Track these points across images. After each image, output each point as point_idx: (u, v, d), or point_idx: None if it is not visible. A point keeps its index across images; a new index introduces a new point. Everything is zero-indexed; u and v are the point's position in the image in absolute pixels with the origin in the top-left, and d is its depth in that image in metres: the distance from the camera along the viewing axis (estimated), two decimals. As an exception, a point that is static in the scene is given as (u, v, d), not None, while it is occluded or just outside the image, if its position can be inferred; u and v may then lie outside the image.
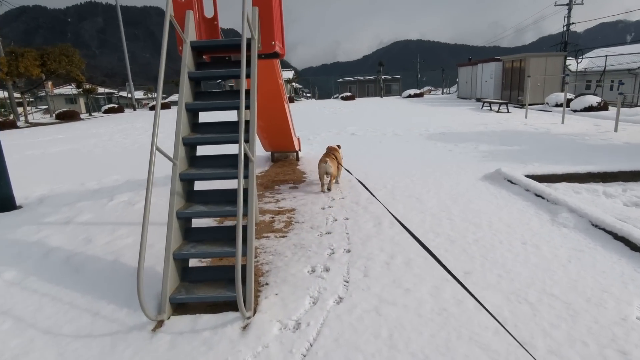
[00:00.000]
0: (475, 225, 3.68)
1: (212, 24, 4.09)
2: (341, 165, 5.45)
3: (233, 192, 2.97)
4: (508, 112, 16.11)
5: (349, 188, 5.25)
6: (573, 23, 27.22)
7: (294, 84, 46.65)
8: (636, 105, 18.66)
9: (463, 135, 9.65)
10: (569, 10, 27.12)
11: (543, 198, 4.09)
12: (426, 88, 56.30)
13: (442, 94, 35.43)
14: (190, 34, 3.40)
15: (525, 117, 13.49)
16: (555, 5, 27.50)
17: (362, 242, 3.49)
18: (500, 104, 16.55)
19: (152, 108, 31.88)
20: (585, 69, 26.05)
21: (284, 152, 7.44)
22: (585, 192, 4.47)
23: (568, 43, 27.56)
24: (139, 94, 48.10)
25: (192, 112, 3.26)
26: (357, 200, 4.66)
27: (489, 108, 17.85)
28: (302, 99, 41.64)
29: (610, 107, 14.59)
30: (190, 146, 3.14)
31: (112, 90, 53.38)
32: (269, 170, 6.65)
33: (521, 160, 6.36)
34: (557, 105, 16.51)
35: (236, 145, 2.60)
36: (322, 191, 5.17)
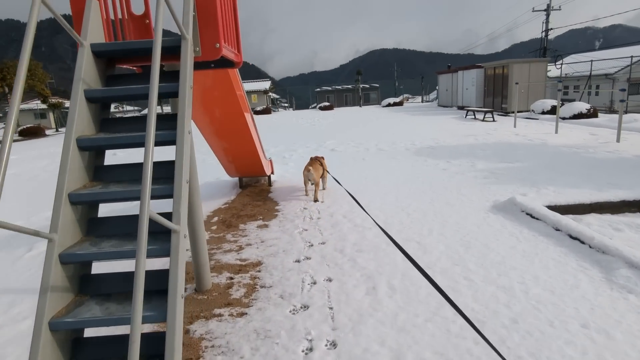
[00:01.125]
0: (506, 291, 2.69)
1: (142, 22, 3.01)
2: (327, 171, 5.69)
3: (155, 275, 1.88)
4: (494, 120, 15.51)
5: (331, 226, 4.21)
6: (552, 29, 27.30)
7: (270, 94, 45.65)
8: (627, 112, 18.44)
9: (454, 150, 8.79)
10: (547, 15, 27.20)
11: (582, 242, 3.16)
12: (404, 96, 56.28)
13: (422, 102, 35.06)
14: (94, 34, 2.31)
15: (514, 127, 12.85)
16: (533, 11, 27.56)
17: (352, 325, 2.45)
18: (485, 112, 15.95)
19: (121, 122, 30.18)
20: (566, 74, 26.02)
21: (253, 177, 6.36)
22: (628, 228, 3.58)
23: (547, 49, 27.60)
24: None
25: (92, 151, 2.16)
26: (342, 247, 3.62)
27: (473, 117, 17.25)
28: (279, 109, 40.63)
29: (600, 114, 14.16)
30: (83, 205, 2.03)
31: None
32: (234, 200, 5.55)
33: (531, 182, 5.47)
34: (543, 113, 16.04)
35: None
36: (306, 195, 5.55)
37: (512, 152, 8.11)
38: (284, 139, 12.65)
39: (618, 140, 8.45)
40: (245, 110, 4.09)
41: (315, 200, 5.21)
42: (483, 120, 15.65)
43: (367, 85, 39.90)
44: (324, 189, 5.78)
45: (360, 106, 32.01)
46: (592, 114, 13.36)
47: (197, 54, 2.22)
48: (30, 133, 22.32)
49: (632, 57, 20.43)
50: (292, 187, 6.08)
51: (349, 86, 43.49)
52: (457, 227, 3.93)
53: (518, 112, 18.17)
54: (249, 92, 41.53)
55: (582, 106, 14.08)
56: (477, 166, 6.91)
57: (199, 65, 2.70)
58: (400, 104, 29.59)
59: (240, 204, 5.29)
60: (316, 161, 5.49)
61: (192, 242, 3.02)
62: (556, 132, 10.64)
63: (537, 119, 15.53)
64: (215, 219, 4.70)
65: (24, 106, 40.73)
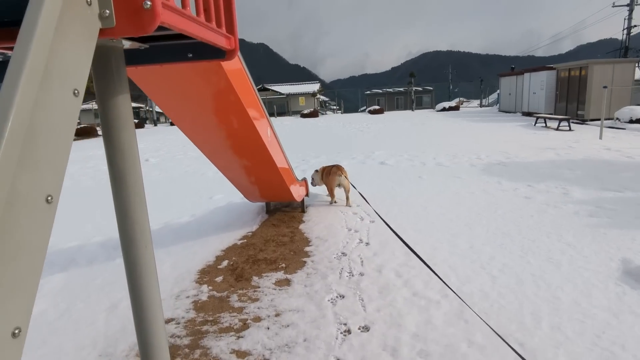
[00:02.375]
0: None
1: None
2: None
3: None
4: (570, 129, 13.32)
5: (378, 293, 2.90)
6: (635, 26, 23.91)
7: (319, 96, 44.87)
8: None
9: (533, 168, 7.11)
10: (630, 11, 23.85)
11: None
12: (458, 99, 53.23)
13: (481, 106, 32.43)
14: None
15: (600, 138, 10.73)
16: (613, 6, 24.29)
17: None
18: (560, 119, 13.75)
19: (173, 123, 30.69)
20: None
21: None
22: None
23: (630, 48, 24.23)
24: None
25: None
26: (396, 343, 2.30)
27: (544, 124, 15.06)
28: (327, 112, 39.66)
29: None
30: None
31: (140, 105, 53.47)
32: (256, 232, 4.40)
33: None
34: (631, 122, 13.58)
35: None
36: (333, 202, 5.42)
37: (614, 175, 6.30)
38: (327, 147, 11.47)
39: None
40: (263, 118, 2.92)
41: (349, 205, 5.18)
42: (557, 129, 13.50)
43: (420, 88, 37.81)
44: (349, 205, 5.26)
45: (412, 110, 30.17)
46: None
47: (108, 22, 1.04)
48: (82, 133, 22.17)
49: None
50: (330, 214, 4.85)
51: (401, 89, 41.62)
52: (581, 315, 2.47)
53: (596, 119, 15.69)
54: (297, 95, 41.02)
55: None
56: (573, 194, 5.26)
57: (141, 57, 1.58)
58: (456, 108, 27.42)
59: (262, 240, 4.13)
60: (339, 169, 5.21)
61: (136, 309, 1.64)
62: (666, 148, 8.52)
63: (624, 128, 13.14)
64: (225, 263, 3.57)
65: (86, 106, 43.11)
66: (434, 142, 11.29)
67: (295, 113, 37.57)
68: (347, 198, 5.26)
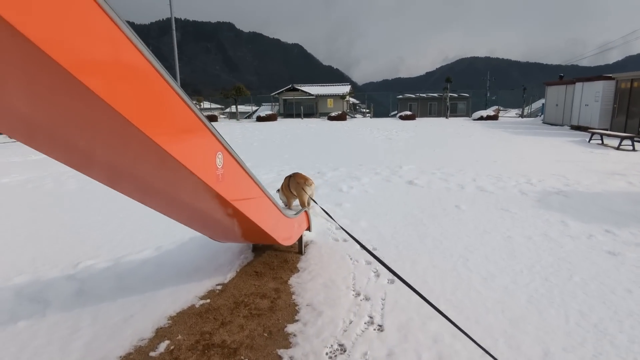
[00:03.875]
0: None
1: None
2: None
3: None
4: (634, 149, 11.42)
5: None
6: None
7: (349, 99, 43.57)
8: None
9: (603, 201, 5.55)
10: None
11: None
12: (494, 107, 50.42)
13: (522, 117, 30.13)
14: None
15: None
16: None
17: None
18: (622, 137, 11.85)
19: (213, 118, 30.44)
20: None
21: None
22: None
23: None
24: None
25: None
26: None
27: (600, 142, 13.14)
28: (357, 115, 38.28)
29: None
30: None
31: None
32: (227, 286, 3.13)
33: None
34: None
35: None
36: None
37: None
38: (349, 157, 10.17)
39: None
40: (209, 140, 1.69)
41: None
42: (618, 149, 11.62)
43: (456, 95, 35.75)
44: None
45: (446, 117, 28.34)
46: None
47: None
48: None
49: None
50: (334, 261, 3.59)
51: (435, 94, 39.68)
52: None
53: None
54: (326, 96, 39.87)
55: None
56: (679, 252, 3.75)
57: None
58: (494, 117, 25.42)
59: (231, 301, 2.90)
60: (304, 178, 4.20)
61: None
62: None
63: None
64: (162, 347, 2.37)
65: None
66: (472, 158, 9.76)
67: (323, 115, 36.45)
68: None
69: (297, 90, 40.11)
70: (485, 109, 44.93)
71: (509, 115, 38.43)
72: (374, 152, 11.07)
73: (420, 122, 24.74)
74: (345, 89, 41.37)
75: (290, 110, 37.27)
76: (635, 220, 4.76)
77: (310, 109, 38.94)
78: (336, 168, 8.51)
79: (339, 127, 20.45)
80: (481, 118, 25.04)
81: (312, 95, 39.72)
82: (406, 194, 6.21)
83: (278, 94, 40.50)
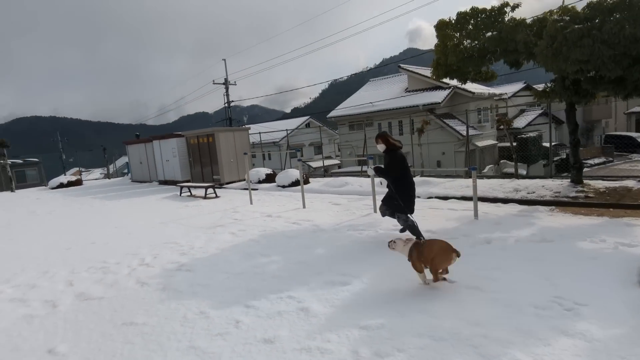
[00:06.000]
0: None
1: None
2: None
3: None
4: (217, 196, 12.93)
5: None
6: (233, 101, 28.55)
7: None
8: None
9: (227, 265, 5.21)
10: (227, 89, 28.32)
11: None
12: (74, 170, 46.10)
13: (109, 177, 28.65)
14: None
15: (251, 203, 10.62)
16: (213, 84, 28.01)
17: None
18: (206, 187, 13.13)
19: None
20: (254, 142, 27.62)
21: None
22: None
23: (232, 119, 28.57)
24: None
25: None
26: None
27: (189, 193, 14.10)
28: None
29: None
30: None
31: None
32: None
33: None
34: (260, 182, 14.98)
35: None
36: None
37: (313, 244, 5.44)
38: None
39: (476, 215, 7.48)
40: None
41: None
42: (205, 198, 12.78)
43: (21, 161, 29.13)
44: None
45: (12, 190, 22.17)
46: (305, 181, 13.13)
47: None
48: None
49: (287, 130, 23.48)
50: None
51: (-12, 163, 30.65)
52: None
53: (229, 182, 16.59)
54: None
55: (297, 173, 13.83)
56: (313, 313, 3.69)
57: None
58: (78, 182, 22.49)
59: None
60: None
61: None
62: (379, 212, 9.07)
63: (257, 189, 14.22)
64: None
65: None
66: (61, 245, 7.31)
67: None
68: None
69: None
70: (65, 173, 39.84)
71: (94, 177, 35.98)
72: None
73: (-30, 202, 17.78)
74: None
75: None
76: (232, 290, 4.58)
77: None
78: None
79: None
80: (61, 185, 21.38)
81: None
82: (-63, 366, 3.25)
83: None
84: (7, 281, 5.40)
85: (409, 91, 28.29)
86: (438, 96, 25.03)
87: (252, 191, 11.56)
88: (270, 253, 5.70)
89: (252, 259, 5.52)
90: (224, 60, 28.20)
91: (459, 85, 24.53)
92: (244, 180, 16.41)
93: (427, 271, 3.88)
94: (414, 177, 12.66)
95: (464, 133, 23.67)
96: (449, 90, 25.13)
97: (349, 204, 9.39)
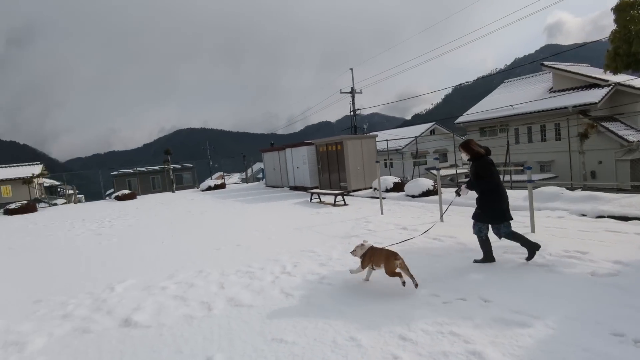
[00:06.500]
0: None
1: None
2: None
3: None
4: (345, 204, 12.81)
5: None
6: (359, 109, 28.77)
7: (43, 181, 34.56)
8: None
9: (370, 285, 4.80)
10: (353, 97, 28.68)
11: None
12: (218, 174, 52.48)
13: (247, 182, 31.67)
14: None
15: (382, 213, 10.13)
16: (341, 93, 28.65)
17: None
18: (335, 195, 13.15)
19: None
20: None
21: None
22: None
23: (357, 127, 28.77)
24: None
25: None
26: None
27: (318, 200, 14.36)
28: (57, 202, 30.25)
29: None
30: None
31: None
32: None
33: None
34: (387, 190, 14.41)
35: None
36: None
37: (464, 267, 4.65)
38: (12, 297, 6.25)
39: (533, 229, 6.12)
40: None
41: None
42: (335, 205, 12.78)
43: (179, 166, 34.32)
44: None
45: (173, 191, 26.08)
46: (434, 190, 12.06)
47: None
48: None
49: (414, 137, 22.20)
50: None
51: (157, 167, 36.92)
52: None
53: (356, 190, 16.42)
54: (3, 182, 29.88)
55: (428, 183, 12.87)
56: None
57: None
58: (222, 186, 25.29)
59: None
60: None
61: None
62: (442, 220, 8.15)
63: (385, 197, 13.66)
64: None
65: None
66: (211, 245, 7.95)
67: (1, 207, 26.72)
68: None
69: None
70: (211, 176, 45.71)
71: (234, 181, 40.29)
72: (67, 268, 7.47)
73: (143, 200, 21.46)
74: (33, 169, 32.41)
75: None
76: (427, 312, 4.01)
77: (-23, 201, 27.92)
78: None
79: (21, 226, 14.52)
80: (209, 188, 24.32)
81: (-20, 182, 28.87)
82: (118, 358, 3.55)
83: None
84: (171, 277, 5.95)
85: (555, 91, 24.54)
86: (593, 95, 21.07)
87: (375, 199, 11.11)
88: (416, 273, 5.11)
89: (395, 278, 5.01)
90: (351, 69, 28.63)
91: (623, 83, 20.18)
92: (370, 188, 16.11)
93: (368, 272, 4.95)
94: (573, 189, 10.54)
95: (631, 138, 19.29)
96: (609, 88, 20.91)
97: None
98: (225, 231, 9.61)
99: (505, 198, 5.10)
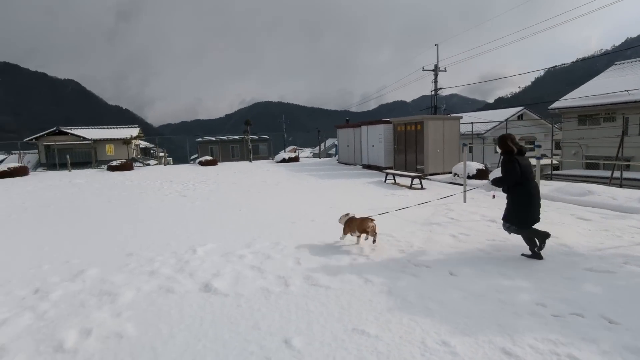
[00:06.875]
0: None
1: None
2: None
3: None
4: (422, 187, 12.07)
5: None
6: (440, 88, 27.02)
7: (138, 143, 37.96)
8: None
9: (462, 282, 4.30)
10: (436, 75, 26.94)
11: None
12: (292, 147, 53.63)
13: (320, 157, 31.83)
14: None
15: (465, 201, 9.31)
16: (423, 70, 27.05)
17: None
18: (412, 177, 12.45)
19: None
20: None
21: None
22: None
23: (437, 107, 27.11)
24: None
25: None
26: None
27: (393, 181, 13.76)
28: (150, 162, 33.17)
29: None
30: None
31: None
32: None
33: None
34: (469, 177, 13.28)
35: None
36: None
37: (572, 275, 3.94)
38: (106, 245, 6.73)
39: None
40: None
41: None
42: (411, 188, 12.11)
43: (256, 137, 35.52)
44: None
45: (250, 161, 27.08)
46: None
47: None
48: None
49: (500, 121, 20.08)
50: None
51: (236, 137, 38.62)
52: None
53: (433, 174, 15.46)
54: (103, 141, 33.35)
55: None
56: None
57: None
58: (296, 159, 25.62)
59: None
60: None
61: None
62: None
63: (461, 184, 12.60)
64: None
65: None
66: (287, 218, 7.91)
67: (104, 163, 29.95)
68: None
69: (66, 133, 32.13)
70: (284, 149, 46.77)
71: (305, 155, 40.82)
72: (156, 225, 7.93)
73: (223, 167, 22.54)
74: (132, 131, 35.69)
75: (55, 160, 29.16)
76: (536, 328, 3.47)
77: (85, 156, 31.58)
78: (76, 275, 5.06)
79: (119, 182, 16.04)
80: (284, 160, 24.79)
81: (88, 139, 32.52)
82: (198, 324, 3.54)
83: (36, 138, 31.44)
84: (248, 246, 5.97)
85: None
86: None
87: (455, 186, 10.24)
88: (513, 275, 4.49)
89: (488, 276, 4.45)
90: (436, 45, 26.77)
91: None
92: (450, 173, 15.08)
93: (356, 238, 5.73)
94: None
95: None
96: None
97: (603, 221, 7.06)
98: (299, 205, 9.56)
99: (535, 201, 4.92)
